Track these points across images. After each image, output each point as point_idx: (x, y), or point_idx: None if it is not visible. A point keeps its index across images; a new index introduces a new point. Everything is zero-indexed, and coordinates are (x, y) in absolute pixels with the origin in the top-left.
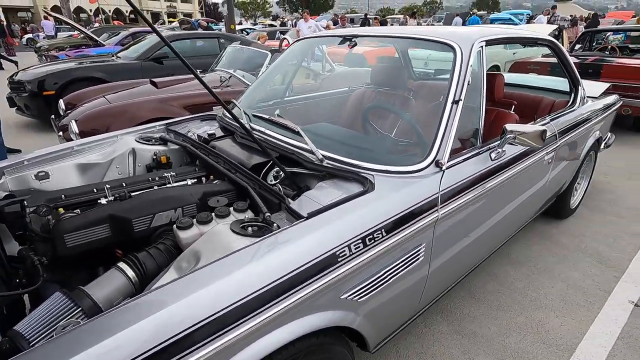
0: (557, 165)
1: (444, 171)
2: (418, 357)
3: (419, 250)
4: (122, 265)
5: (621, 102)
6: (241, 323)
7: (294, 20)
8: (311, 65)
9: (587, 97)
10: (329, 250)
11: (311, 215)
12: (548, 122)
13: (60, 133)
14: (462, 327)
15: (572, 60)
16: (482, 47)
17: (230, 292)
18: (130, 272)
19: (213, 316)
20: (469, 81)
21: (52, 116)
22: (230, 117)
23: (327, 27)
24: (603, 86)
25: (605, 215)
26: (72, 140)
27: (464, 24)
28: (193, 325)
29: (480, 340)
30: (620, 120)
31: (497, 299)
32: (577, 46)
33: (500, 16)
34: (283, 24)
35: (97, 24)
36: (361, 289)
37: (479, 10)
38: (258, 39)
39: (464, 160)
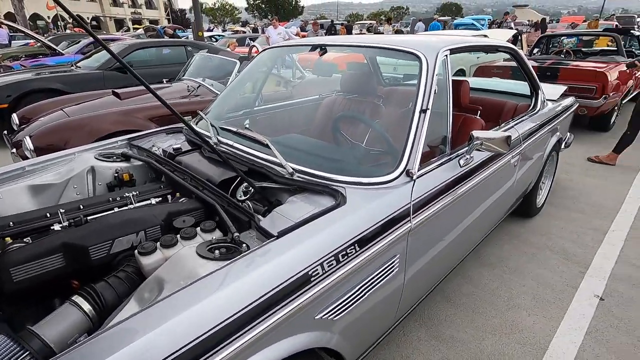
0: (523, 167)
1: (414, 180)
2: None
3: (393, 261)
4: (76, 298)
5: (577, 103)
6: (209, 357)
7: (263, 27)
8: (281, 72)
9: (547, 100)
10: (302, 271)
11: (282, 233)
12: (512, 126)
13: (14, 150)
14: (440, 332)
15: (531, 64)
16: (446, 55)
17: (196, 324)
18: (87, 306)
19: (177, 352)
20: (435, 90)
21: (5, 132)
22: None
23: (297, 35)
24: (561, 89)
25: (569, 212)
26: (26, 157)
27: (426, 29)
28: (169, 356)
29: (458, 345)
30: (576, 120)
31: (472, 301)
32: (535, 50)
33: (463, 21)
34: (255, 30)
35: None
36: (336, 307)
37: (442, 16)
38: (228, 46)
39: (434, 168)
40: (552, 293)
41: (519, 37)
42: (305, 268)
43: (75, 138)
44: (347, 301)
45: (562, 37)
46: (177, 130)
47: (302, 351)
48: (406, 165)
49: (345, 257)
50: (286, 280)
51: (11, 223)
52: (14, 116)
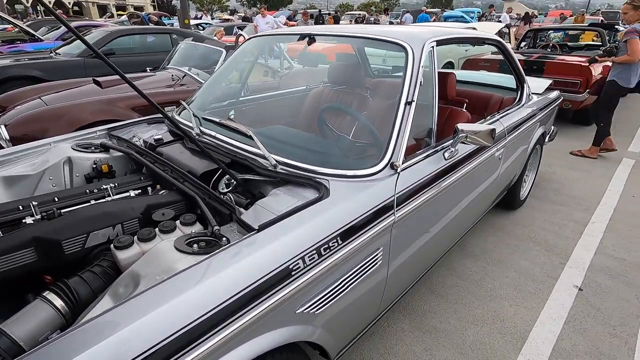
0: (507, 160)
1: (399, 173)
2: (382, 358)
3: (376, 254)
4: (48, 294)
5: (562, 97)
6: (185, 353)
7: (252, 16)
8: (269, 63)
9: (532, 93)
10: (282, 265)
11: (263, 227)
12: (497, 120)
13: None
14: (423, 323)
15: (518, 57)
16: (432, 47)
17: (172, 320)
18: (59, 302)
19: (153, 349)
20: (421, 81)
21: None
22: (177, 119)
23: (286, 24)
24: (546, 82)
25: (551, 205)
26: (1, 148)
27: (415, 21)
28: (141, 354)
29: (441, 335)
30: (561, 113)
31: (456, 292)
32: (523, 44)
33: (453, 14)
34: (246, 18)
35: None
36: (318, 300)
37: (432, 8)
38: (214, 35)
39: (419, 161)
40: (533, 284)
41: (507, 31)
42: (286, 262)
43: (53, 128)
44: (329, 295)
45: (549, 32)
46: (159, 120)
47: (285, 345)
48: (390, 157)
49: (328, 250)
50: (266, 275)
51: None
52: None
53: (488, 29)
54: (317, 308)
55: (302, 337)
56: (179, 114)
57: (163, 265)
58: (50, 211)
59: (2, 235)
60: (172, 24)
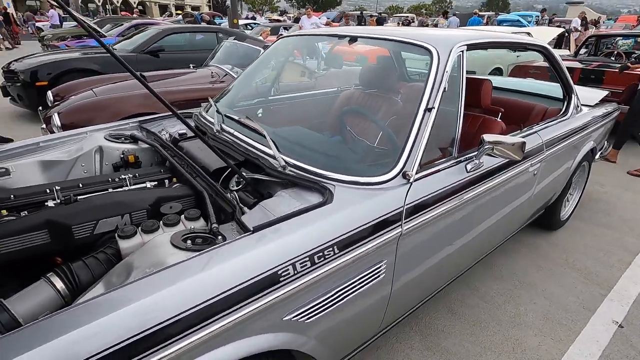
0: (545, 177)
1: (411, 183)
2: None
3: (379, 267)
4: (51, 276)
5: (619, 110)
6: (161, 348)
7: (294, 17)
8: (307, 63)
9: (582, 105)
10: (271, 269)
11: (257, 229)
12: (535, 132)
13: (44, 125)
14: (435, 343)
15: (575, 65)
16: (462, 51)
17: (151, 314)
18: (60, 284)
19: (128, 340)
20: (445, 88)
21: (40, 108)
22: (204, 115)
23: (327, 24)
24: (601, 94)
25: (598, 228)
26: (54, 133)
27: (464, 24)
28: (102, 352)
29: (453, 359)
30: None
31: (475, 314)
32: (583, 50)
33: (508, 17)
34: (297, 19)
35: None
36: (308, 310)
37: (488, 11)
38: (260, 35)
39: (437, 171)
40: (565, 314)
41: (567, 37)
42: (275, 267)
43: (99, 117)
44: (322, 305)
45: (617, 38)
46: (187, 115)
47: (277, 352)
48: (403, 166)
49: (322, 258)
50: (252, 278)
51: (12, 196)
52: (49, 93)
53: (544, 35)
54: (307, 317)
55: (292, 345)
56: (207, 111)
57: (155, 258)
58: (68, 197)
59: (27, 215)
60: (220, 24)
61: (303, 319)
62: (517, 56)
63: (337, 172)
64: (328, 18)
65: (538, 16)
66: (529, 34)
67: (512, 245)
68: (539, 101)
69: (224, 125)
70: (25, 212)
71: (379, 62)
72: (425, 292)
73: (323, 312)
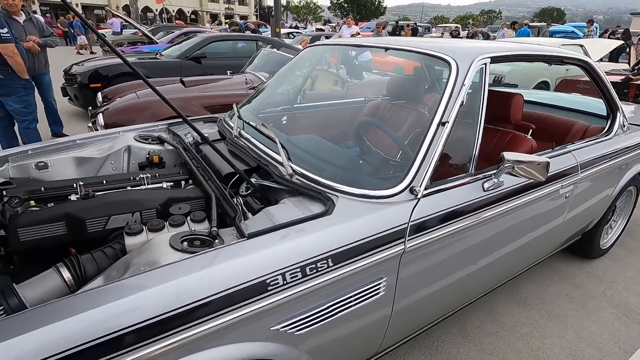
0: (580, 200)
1: (419, 199)
2: None
3: (378, 285)
4: (60, 266)
5: None
6: (136, 348)
7: (335, 26)
8: (340, 72)
9: (631, 124)
10: (259, 277)
11: (251, 235)
12: (569, 151)
13: (90, 124)
14: None
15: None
16: (485, 64)
17: (136, 312)
18: (67, 274)
19: (107, 337)
20: (463, 101)
21: (90, 107)
22: (226, 120)
23: (355, 35)
24: None
25: None
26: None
27: (515, 35)
28: (82, 345)
29: None
30: None
31: (492, 342)
32: None
33: (562, 28)
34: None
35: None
36: (298, 322)
37: (541, 22)
38: (299, 43)
39: (449, 188)
40: (597, 353)
41: (628, 50)
42: (264, 275)
43: (139, 118)
44: (313, 318)
45: None
46: (213, 120)
47: None
48: (411, 181)
49: (315, 271)
50: (239, 285)
51: (42, 188)
52: (99, 95)
53: (599, 47)
54: (297, 329)
55: (282, 357)
56: (231, 117)
57: (151, 257)
58: (87, 192)
59: (50, 206)
60: (264, 32)
61: (292, 330)
62: (567, 69)
63: (343, 184)
64: (361, 29)
65: (596, 27)
66: (582, 46)
67: (541, 271)
68: (581, 118)
69: (242, 131)
70: (52, 204)
71: (408, 73)
72: (434, 314)
73: (314, 326)
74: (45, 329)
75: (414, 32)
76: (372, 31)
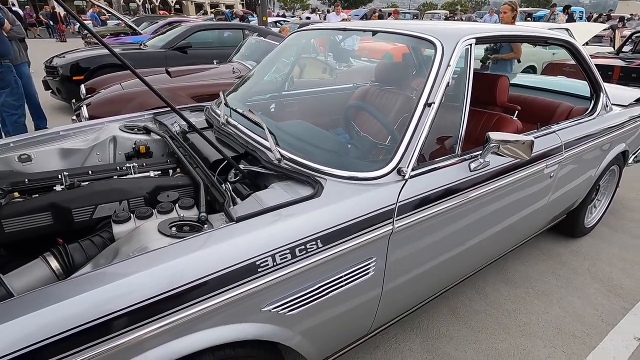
0: (565, 180)
1: (406, 180)
2: None
3: (367, 265)
4: (48, 255)
5: None
6: (128, 331)
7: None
8: (328, 60)
9: (615, 104)
10: (248, 259)
11: (240, 219)
12: (553, 131)
13: (74, 117)
14: (435, 347)
15: (617, 63)
16: (470, 45)
17: (128, 295)
18: (55, 263)
19: (98, 320)
20: (448, 82)
21: (74, 100)
22: (213, 108)
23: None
24: (638, 93)
25: (628, 237)
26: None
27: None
28: (72, 329)
29: None
30: None
31: (481, 320)
32: (627, 48)
33: (546, 13)
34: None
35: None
36: (289, 302)
37: (528, 7)
38: (280, 31)
39: (436, 169)
40: (581, 326)
41: (614, 33)
42: (254, 257)
43: (125, 109)
44: (304, 298)
45: None
46: (199, 108)
47: (264, 345)
48: (398, 162)
49: (304, 252)
50: (229, 267)
51: (26, 180)
52: (82, 87)
53: (584, 31)
54: (288, 310)
55: (275, 337)
56: (218, 105)
57: (140, 243)
58: (72, 182)
59: (34, 197)
60: (251, 21)
61: (284, 311)
62: (553, 54)
63: (331, 167)
64: (349, 15)
65: (582, 11)
66: (567, 30)
67: (528, 251)
68: (566, 100)
69: (229, 119)
70: (37, 195)
71: (395, 58)
72: (424, 294)
73: (305, 307)
74: (34, 315)
75: (380, 18)
76: (361, 18)
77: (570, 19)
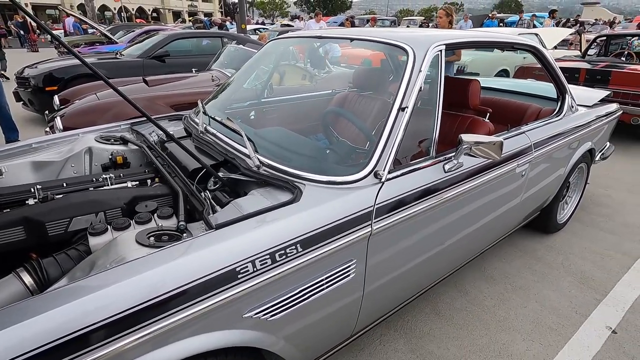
0: (536, 178)
1: (383, 183)
2: None
3: (347, 267)
4: (21, 271)
5: (621, 111)
6: (107, 343)
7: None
8: (307, 66)
9: (580, 105)
10: (228, 266)
11: (219, 226)
12: (522, 132)
13: (47, 129)
14: (419, 346)
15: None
16: (440, 51)
17: (103, 307)
18: (28, 279)
19: (76, 333)
20: (421, 87)
21: (46, 112)
22: (192, 117)
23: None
24: (600, 94)
25: (598, 232)
26: None
27: (479, 26)
28: (48, 344)
29: None
30: (633, 130)
31: (463, 317)
32: (592, 51)
33: (516, 19)
34: None
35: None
36: (271, 307)
37: (500, 13)
38: (259, 38)
39: (411, 171)
40: (556, 319)
41: (579, 37)
42: (234, 264)
43: (101, 120)
44: (286, 303)
45: (632, 38)
46: (178, 118)
47: (248, 351)
48: (375, 166)
49: (284, 256)
50: (209, 274)
51: None
52: (55, 98)
53: (553, 36)
54: (271, 315)
55: (259, 344)
56: (197, 114)
57: (117, 254)
58: (45, 195)
59: (5, 212)
60: (230, 29)
61: (266, 316)
62: (524, 57)
63: (310, 172)
64: (327, 23)
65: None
66: (537, 35)
67: (505, 248)
68: (536, 102)
69: (208, 127)
70: (8, 210)
71: (374, 64)
72: (405, 294)
73: (287, 311)
74: (7, 331)
75: (352, 25)
76: (339, 25)
77: (558, 24)
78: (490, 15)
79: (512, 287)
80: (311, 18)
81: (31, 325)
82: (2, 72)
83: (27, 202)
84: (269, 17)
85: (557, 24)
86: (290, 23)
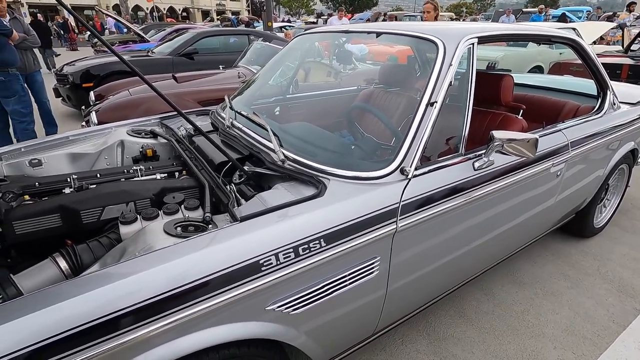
0: (572, 179)
1: (409, 179)
2: None
3: (372, 265)
4: (57, 256)
5: None
6: (134, 328)
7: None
8: (333, 63)
9: (623, 102)
10: (252, 258)
11: (244, 218)
12: (559, 130)
13: (83, 123)
14: (442, 348)
15: (625, 61)
16: (472, 44)
17: (131, 294)
18: (63, 264)
19: (106, 317)
20: (451, 82)
21: (83, 107)
22: (219, 112)
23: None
24: None
25: (638, 237)
26: None
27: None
28: (80, 326)
29: None
30: None
31: (489, 321)
32: (635, 46)
33: (555, 13)
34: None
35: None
36: (293, 301)
37: (534, 8)
38: (285, 36)
39: (439, 168)
40: (591, 328)
41: (622, 32)
42: (257, 256)
43: (133, 115)
44: (308, 297)
45: None
46: (205, 112)
47: (269, 344)
48: (401, 162)
49: (307, 251)
50: (232, 265)
51: (37, 183)
52: (91, 94)
53: (592, 30)
54: (292, 309)
55: (280, 337)
56: (223, 109)
57: (146, 243)
58: (81, 185)
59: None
60: (257, 27)
61: (288, 310)
62: (560, 53)
63: (334, 167)
64: (353, 20)
65: (589, 10)
66: (574, 29)
67: (537, 251)
68: (573, 99)
69: (234, 122)
70: (46, 198)
71: (400, 61)
72: (430, 294)
73: (309, 306)
74: (42, 312)
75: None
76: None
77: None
78: (538, 9)
79: (543, 293)
80: (330, 15)
81: (66, 307)
82: (53, 68)
83: (63, 190)
84: (295, 15)
85: (598, 19)
86: (314, 21)
